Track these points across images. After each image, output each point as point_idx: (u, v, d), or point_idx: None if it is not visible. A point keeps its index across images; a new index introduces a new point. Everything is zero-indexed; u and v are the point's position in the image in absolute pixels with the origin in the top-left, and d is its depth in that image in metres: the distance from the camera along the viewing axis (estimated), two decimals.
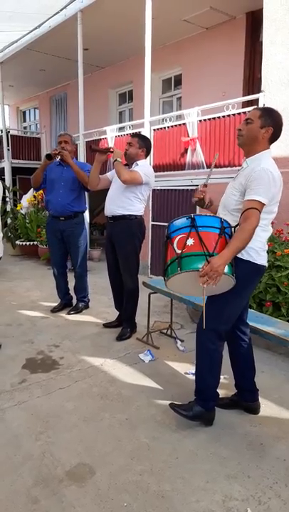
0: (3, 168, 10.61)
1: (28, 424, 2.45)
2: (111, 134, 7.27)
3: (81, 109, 7.77)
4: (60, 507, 1.83)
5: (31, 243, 8.06)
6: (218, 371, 2.40)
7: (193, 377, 2.48)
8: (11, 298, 5.12)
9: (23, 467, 2.08)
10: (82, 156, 8.02)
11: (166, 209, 6.15)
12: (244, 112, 5.03)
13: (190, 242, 2.12)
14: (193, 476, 2.02)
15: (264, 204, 2.11)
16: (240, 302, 2.34)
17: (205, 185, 2.57)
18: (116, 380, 3.00)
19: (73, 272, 4.60)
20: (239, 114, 5.09)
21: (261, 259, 2.28)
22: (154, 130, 6.36)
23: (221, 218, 2.20)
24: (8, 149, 10.67)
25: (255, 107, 4.71)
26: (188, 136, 5.70)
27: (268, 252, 2.36)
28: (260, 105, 4.84)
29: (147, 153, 3.73)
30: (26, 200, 8.68)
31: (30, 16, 7.48)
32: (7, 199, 8.85)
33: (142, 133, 6.11)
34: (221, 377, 2.56)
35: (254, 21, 6.87)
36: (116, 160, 3.49)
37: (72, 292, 4.73)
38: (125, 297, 3.85)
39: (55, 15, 7.62)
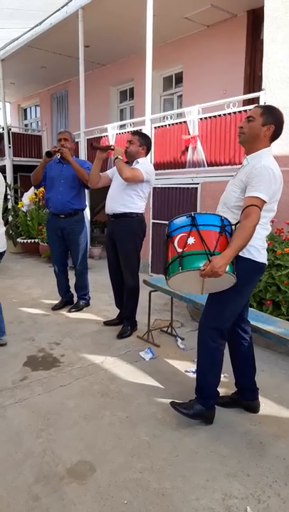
0: (5, 165, 10.61)
1: (29, 421, 2.46)
2: (112, 132, 7.26)
3: (82, 107, 7.76)
4: (61, 504, 1.84)
5: (32, 241, 8.07)
6: (219, 370, 2.41)
7: (194, 376, 2.49)
8: (12, 295, 5.13)
9: (24, 464, 2.09)
10: (83, 154, 8.02)
11: (167, 207, 6.15)
12: (245, 110, 5.02)
13: (191, 240, 2.12)
14: (194, 474, 2.03)
15: (265, 201, 2.11)
16: (240, 300, 2.35)
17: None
18: (116, 378, 3.01)
19: (74, 270, 4.61)
20: (240, 112, 5.08)
21: (261, 257, 2.28)
22: (155, 128, 6.35)
23: (221, 216, 2.19)
24: (10, 147, 10.66)
25: (257, 105, 4.71)
26: (189, 134, 5.69)
27: (268, 251, 2.37)
28: (261, 103, 4.83)
29: (148, 151, 3.73)
30: (27, 197, 8.69)
31: (31, 13, 7.46)
32: (8, 196, 8.85)
33: (143, 131, 6.11)
34: (221, 375, 2.56)
35: (255, 19, 6.85)
36: (117, 157, 3.49)
37: (73, 290, 4.74)
38: (126, 295, 3.86)
39: (56, 12, 7.60)
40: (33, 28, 8.26)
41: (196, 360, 2.46)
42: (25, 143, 11.22)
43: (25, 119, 14.60)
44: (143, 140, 3.67)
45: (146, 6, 5.97)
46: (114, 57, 9.35)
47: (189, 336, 3.76)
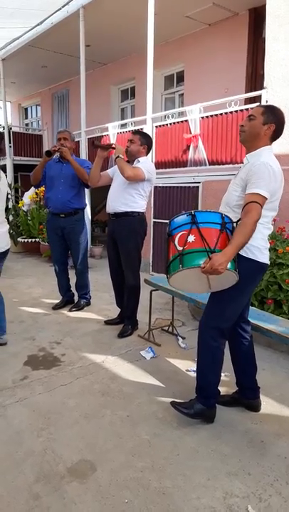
0: (5, 165, 10.61)
1: (29, 420, 2.46)
2: (113, 131, 7.26)
3: (83, 106, 7.76)
4: (62, 503, 1.83)
5: (33, 240, 8.07)
6: (219, 369, 2.40)
7: (195, 375, 2.48)
8: (13, 295, 5.13)
9: (24, 463, 2.09)
10: (83, 153, 8.02)
11: (168, 206, 6.14)
12: (246, 109, 5.01)
13: (191, 238, 2.12)
14: (194, 473, 2.03)
15: (265, 198, 2.10)
16: (242, 300, 2.34)
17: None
18: (117, 377, 3.01)
19: (74, 269, 4.60)
20: (242, 110, 5.07)
21: (264, 257, 2.27)
22: (156, 127, 6.34)
23: (222, 214, 2.19)
24: (10, 146, 10.66)
25: (259, 104, 4.70)
26: (191, 133, 5.68)
27: (269, 250, 2.36)
28: (263, 102, 4.82)
29: (148, 151, 3.72)
30: (28, 197, 8.69)
31: (32, 13, 7.46)
32: (9, 196, 8.84)
33: (144, 130, 6.11)
34: (222, 374, 2.56)
35: (257, 17, 6.84)
36: (118, 156, 3.48)
37: (73, 289, 4.74)
38: (127, 294, 3.85)
39: (57, 11, 7.60)
40: (33, 28, 8.26)
41: (196, 359, 2.46)
42: (25, 142, 11.22)
43: (26, 118, 14.61)
44: (144, 139, 3.67)
45: (147, 4, 5.96)
46: (115, 56, 9.34)
47: (190, 335, 3.75)
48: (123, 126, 7.56)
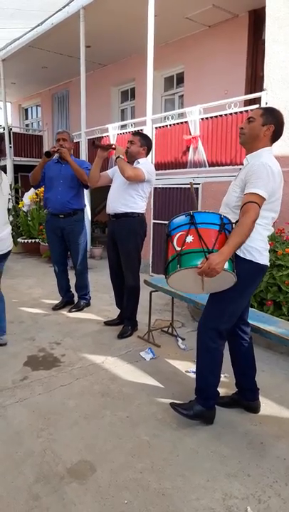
0: (5, 165, 10.61)
1: (29, 421, 2.46)
2: (113, 132, 7.27)
3: (83, 107, 7.77)
4: (61, 504, 1.84)
5: (33, 241, 8.07)
6: (218, 370, 2.40)
7: (194, 376, 2.49)
8: (13, 295, 5.13)
9: (24, 464, 2.09)
10: (83, 154, 8.03)
11: (168, 207, 6.15)
12: (246, 111, 5.02)
13: (189, 239, 2.12)
14: (194, 474, 2.03)
15: (264, 198, 2.10)
16: (241, 301, 2.34)
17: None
18: (117, 378, 3.01)
19: (74, 270, 4.61)
20: (241, 112, 5.08)
21: (263, 258, 2.27)
22: (156, 128, 6.35)
23: (220, 214, 2.19)
24: (10, 147, 10.67)
25: (258, 106, 4.71)
26: (190, 135, 5.69)
27: (269, 252, 2.36)
28: (263, 104, 4.83)
29: (148, 152, 3.73)
30: (28, 197, 8.69)
31: (32, 13, 7.47)
32: (9, 196, 8.85)
33: (144, 131, 6.13)
34: (222, 375, 2.56)
35: (257, 19, 6.86)
36: (119, 157, 3.49)
37: (73, 290, 4.74)
38: (126, 295, 3.86)
39: (57, 12, 7.61)
40: (34, 28, 8.28)
41: (196, 360, 2.46)
42: (26, 143, 11.23)
43: (26, 119, 14.62)
44: (144, 140, 3.68)
45: (147, 6, 5.98)
46: (115, 57, 9.36)
47: (190, 336, 3.76)
48: (123, 127, 7.56)
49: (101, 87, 10.08)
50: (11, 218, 8.47)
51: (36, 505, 1.83)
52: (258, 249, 2.24)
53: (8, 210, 8.52)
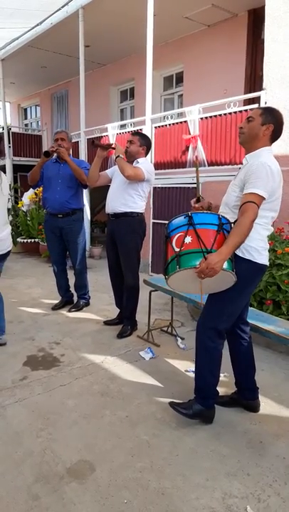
0: (4, 165, 10.60)
1: (28, 421, 2.46)
2: (112, 132, 7.26)
3: (82, 107, 7.77)
4: (61, 503, 1.84)
5: (32, 240, 8.08)
6: (217, 369, 2.40)
7: (194, 375, 2.49)
8: (12, 295, 5.13)
9: (23, 464, 2.09)
10: (83, 154, 8.02)
11: (167, 207, 6.15)
12: (246, 110, 5.02)
13: (188, 239, 2.13)
14: (193, 473, 2.03)
15: (263, 198, 2.10)
16: (240, 301, 2.34)
17: (198, 200, 2.56)
18: (116, 378, 3.01)
19: (73, 270, 4.61)
20: (241, 111, 5.08)
21: (263, 258, 2.27)
22: (156, 128, 6.35)
23: (219, 215, 2.20)
24: (9, 146, 10.66)
25: (257, 105, 4.71)
26: (190, 134, 5.69)
27: (268, 251, 2.36)
28: (262, 103, 4.83)
29: (147, 152, 3.74)
30: (27, 197, 8.69)
31: (31, 13, 7.46)
32: (8, 196, 8.84)
33: (143, 130, 6.13)
34: (221, 375, 2.56)
35: (256, 19, 6.85)
36: (118, 156, 3.49)
37: (72, 289, 4.74)
38: (126, 295, 3.85)
39: (56, 12, 7.61)
40: (33, 28, 8.27)
41: (195, 359, 2.46)
42: (25, 143, 11.22)
43: (26, 118, 14.61)
44: (143, 140, 3.68)
45: (146, 5, 5.97)
46: (114, 56, 9.36)
47: (189, 336, 3.76)
48: (122, 126, 7.56)
49: (100, 87, 10.08)
50: (11, 218, 8.48)
51: (36, 504, 1.83)
52: (257, 249, 2.24)
53: (8, 210, 8.56)
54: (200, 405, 2.39)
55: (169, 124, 6.09)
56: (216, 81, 7.30)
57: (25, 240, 8.16)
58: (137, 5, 6.31)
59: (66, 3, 7.34)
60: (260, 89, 5.00)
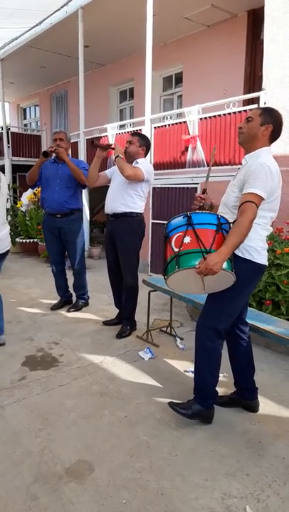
0: (3, 165, 10.59)
1: (27, 421, 2.46)
2: (112, 132, 7.26)
3: (82, 107, 7.76)
4: (60, 504, 1.83)
5: (31, 240, 8.07)
6: (217, 369, 2.40)
7: (193, 375, 2.49)
8: (11, 295, 5.13)
9: (22, 464, 2.09)
10: (82, 154, 8.02)
11: (167, 207, 6.15)
12: (245, 110, 5.03)
13: (187, 239, 2.13)
14: (193, 473, 2.03)
15: (262, 198, 2.11)
16: (240, 301, 2.34)
17: (204, 191, 2.56)
18: (115, 378, 3.01)
19: (72, 270, 4.60)
20: (240, 112, 5.08)
21: (262, 258, 2.28)
22: (155, 128, 6.35)
23: (217, 215, 2.20)
24: (9, 147, 10.65)
25: (257, 106, 4.71)
26: (189, 134, 5.69)
27: (267, 251, 2.36)
28: (261, 103, 4.84)
29: (147, 152, 3.74)
30: (26, 197, 8.68)
31: (31, 13, 7.46)
32: (7, 196, 8.83)
33: (143, 131, 6.13)
34: (220, 375, 2.56)
35: (255, 19, 6.86)
36: (118, 156, 3.49)
37: (71, 289, 4.73)
38: (125, 295, 3.85)
39: (56, 12, 7.60)
40: (32, 28, 8.26)
41: (194, 360, 2.46)
42: (24, 143, 11.21)
43: (25, 118, 14.60)
44: (142, 141, 3.68)
45: (146, 5, 5.97)
46: (114, 57, 9.36)
47: (188, 336, 3.75)
48: (122, 127, 7.56)
49: (99, 87, 10.08)
50: (9, 218, 8.47)
51: (34, 505, 1.83)
52: (256, 249, 2.24)
53: (7, 210, 8.55)
54: (199, 405, 2.39)
55: (169, 125, 6.09)
56: (215, 81, 7.30)
57: (24, 240, 8.16)
58: (136, 5, 6.31)
59: (66, 4, 7.34)
60: (260, 89, 5.00)
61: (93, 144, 3.66)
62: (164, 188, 6.14)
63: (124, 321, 3.89)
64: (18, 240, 8.18)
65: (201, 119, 5.55)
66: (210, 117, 5.44)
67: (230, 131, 5.16)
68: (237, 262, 2.18)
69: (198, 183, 5.60)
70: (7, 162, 10.58)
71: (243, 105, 5.74)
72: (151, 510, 1.80)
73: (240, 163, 2.46)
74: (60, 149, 4.15)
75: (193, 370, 2.52)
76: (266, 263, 2.32)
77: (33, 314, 4.43)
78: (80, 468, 2.06)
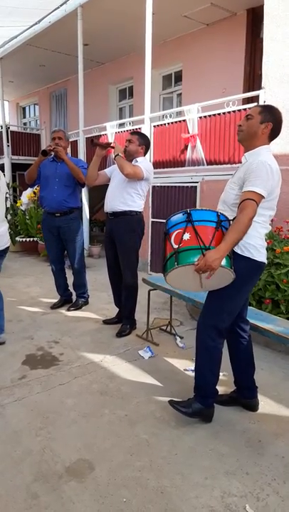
0: (3, 164, 10.59)
1: (28, 419, 2.46)
2: (111, 130, 7.25)
3: (81, 105, 7.75)
4: (60, 502, 1.84)
5: (31, 239, 8.06)
6: (217, 368, 2.41)
7: (193, 374, 2.49)
8: (11, 294, 5.12)
9: (22, 463, 2.09)
10: (82, 153, 8.01)
11: (166, 206, 6.14)
12: (244, 109, 5.02)
13: (186, 236, 2.13)
14: (192, 472, 2.03)
15: (262, 196, 2.11)
16: (239, 299, 2.34)
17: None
18: (115, 377, 3.01)
19: (71, 269, 4.60)
20: (239, 110, 5.07)
21: (261, 256, 2.28)
22: (154, 126, 6.34)
23: (217, 212, 2.20)
24: (8, 145, 10.64)
25: (257, 104, 4.70)
26: (189, 133, 5.69)
27: (267, 250, 2.36)
28: (261, 102, 4.83)
29: (146, 151, 3.74)
30: (26, 196, 8.67)
31: (30, 11, 7.44)
32: (7, 195, 8.82)
33: (142, 129, 6.12)
34: (221, 374, 2.56)
35: (255, 18, 6.85)
36: (118, 155, 3.49)
37: (71, 288, 4.73)
38: (125, 294, 3.85)
39: (55, 10, 7.59)
40: (31, 26, 8.25)
41: (195, 358, 2.46)
42: (23, 141, 11.20)
43: (24, 117, 14.58)
44: (142, 139, 3.68)
45: (145, 4, 5.96)
46: (113, 55, 9.34)
47: (188, 335, 3.76)
48: (121, 125, 7.55)
49: (99, 86, 10.06)
50: (9, 217, 8.46)
51: (35, 503, 1.83)
52: (255, 247, 2.24)
53: (7, 208, 8.54)
54: (199, 404, 2.39)
55: (168, 123, 6.09)
56: (214, 80, 7.29)
57: (23, 239, 8.15)
58: (135, 4, 6.30)
59: (65, 2, 7.32)
60: (259, 88, 4.99)
61: (93, 143, 3.66)
62: (164, 186, 6.14)
63: (124, 320, 3.89)
64: (18, 238, 8.17)
65: (200, 117, 5.54)
66: (209, 116, 5.43)
67: (230, 130, 5.16)
68: (236, 260, 2.18)
69: (197, 182, 5.60)
70: (7, 161, 10.57)
71: (243, 104, 5.73)
72: (151, 509, 1.81)
73: (240, 162, 2.46)
74: (59, 148, 4.14)
75: (193, 368, 2.53)
76: (265, 261, 2.32)
77: (33, 313, 4.44)
78: (80, 467, 2.07)
